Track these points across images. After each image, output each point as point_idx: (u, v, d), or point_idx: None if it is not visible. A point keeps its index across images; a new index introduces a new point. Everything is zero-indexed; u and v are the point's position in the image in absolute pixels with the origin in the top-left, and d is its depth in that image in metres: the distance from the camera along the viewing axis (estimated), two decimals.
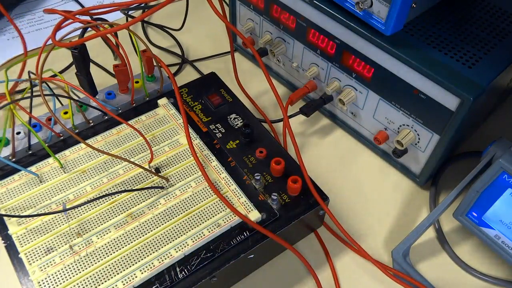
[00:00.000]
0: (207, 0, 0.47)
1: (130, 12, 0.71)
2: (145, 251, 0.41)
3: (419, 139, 0.50)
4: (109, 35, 0.49)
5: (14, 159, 0.47)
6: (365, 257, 0.47)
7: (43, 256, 0.40)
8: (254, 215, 0.43)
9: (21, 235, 0.42)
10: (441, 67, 0.44)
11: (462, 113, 0.44)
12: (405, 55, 0.45)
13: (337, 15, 0.49)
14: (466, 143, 0.58)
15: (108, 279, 0.39)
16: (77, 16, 0.43)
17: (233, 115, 0.52)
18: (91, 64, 0.50)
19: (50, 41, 0.44)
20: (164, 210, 0.44)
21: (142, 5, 0.46)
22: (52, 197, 0.44)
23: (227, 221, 0.43)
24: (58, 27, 0.42)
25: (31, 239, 0.41)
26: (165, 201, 0.44)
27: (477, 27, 0.50)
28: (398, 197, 0.53)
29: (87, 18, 0.45)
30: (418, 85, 0.46)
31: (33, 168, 0.46)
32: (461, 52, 0.46)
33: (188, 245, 0.42)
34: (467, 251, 0.49)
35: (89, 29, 0.46)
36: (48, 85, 0.49)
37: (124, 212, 0.43)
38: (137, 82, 0.53)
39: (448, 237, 0.50)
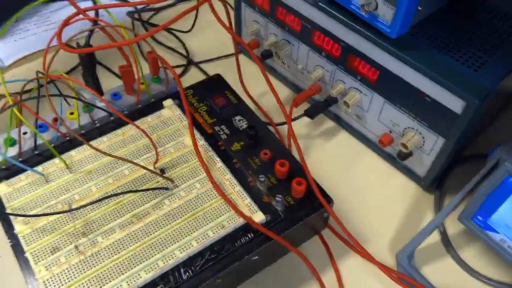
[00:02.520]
0: (210, 8, 0.47)
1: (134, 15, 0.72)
2: (149, 251, 0.41)
3: (424, 142, 0.50)
4: (116, 36, 0.49)
5: (20, 159, 0.47)
6: (369, 260, 0.47)
7: (49, 256, 0.41)
8: (259, 217, 0.43)
9: (27, 234, 0.42)
10: (446, 70, 0.44)
11: (468, 116, 0.44)
12: (411, 58, 0.45)
13: (342, 17, 0.49)
14: (472, 146, 0.57)
15: (113, 279, 0.39)
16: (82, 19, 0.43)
17: (238, 117, 0.52)
18: (97, 65, 0.51)
19: (55, 42, 0.44)
20: (169, 211, 0.44)
21: (151, 6, 0.46)
22: (58, 197, 0.44)
23: (232, 222, 0.43)
24: (63, 27, 0.42)
25: (37, 238, 0.42)
26: (170, 202, 0.45)
27: (482, 30, 0.50)
28: (403, 200, 0.53)
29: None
30: (423, 88, 0.46)
31: (39, 168, 0.46)
32: (466, 55, 0.46)
33: (192, 246, 0.42)
34: (472, 255, 0.49)
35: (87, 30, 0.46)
36: (56, 86, 0.49)
37: (129, 212, 0.44)
38: (142, 83, 0.53)
39: (453, 241, 0.50)
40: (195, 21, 0.70)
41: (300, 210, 0.45)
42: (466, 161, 0.56)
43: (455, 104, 0.44)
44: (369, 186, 0.54)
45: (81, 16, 0.43)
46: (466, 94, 0.43)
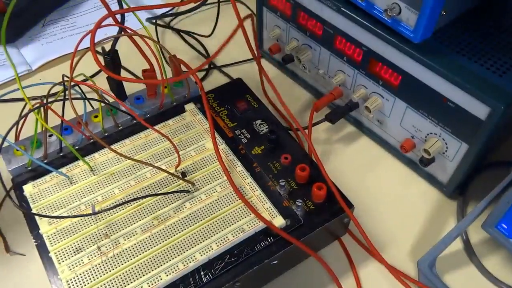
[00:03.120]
0: (242, 30, 0.47)
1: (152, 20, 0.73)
2: (170, 253, 0.42)
3: (447, 148, 0.49)
4: (141, 42, 0.50)
5: (46, 161, 0.48)
6: (388, 269, 0.46)
7: (72, 256, 0.41)
8: (279, 221, 0.43)
9: (52, 234, 0.43)
10: (470, 75, 0.44)
11: (492, 122, 0.43)
12: (434, 63, 0.45)
13: (364, 22, 0.49)
14: (496, 153, 0.56)
15: (134, 280, 0.40)
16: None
17: (259, 121, 0.53)
18: (121, 69, 0.52)
19: (83, 46, 0.45)
20: (190, 214, 0.44)
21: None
22: (82, 199, 0.45)
23: (252, 226, 0.43)
24: (96, 31, 0.43)
25: (60, 238, 0.43)
26: (191, 205, 0.45)
27: (508, 35, 0.49)
28: (424, 206, 0.53)
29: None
30: (446, 93, 0.46)
31: (64, 170, 0.47)
32: (491, 60, 0.46)
33: (212, 249, 0.42)
34: (496, 264, 0.48)
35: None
36: (80, 89, 0.50)
37: (151, 215, 0.44)
38: (165, 87, 0.54)
39: (476, 249, 0.49)
40: (215, 26, 0.71)
41: (320, 215, 0.45)
42: (490, 168, 0.55)
43: (479, 109, 0.44)
44: (390, 192, 0.54)
45: (109, 21, 0.44)
46: (491, 99, 0.42)
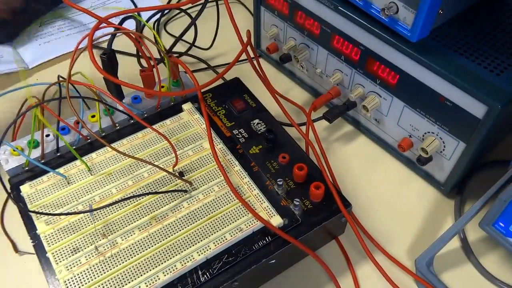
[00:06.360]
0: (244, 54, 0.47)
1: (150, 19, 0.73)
2: (168, 253, 0.42)
3: (444, 146, 0.49)
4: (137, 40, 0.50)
5: (43, 161, 0.48)
6: (393, 262, 0.46)
7: (70, 256, 0.41)
8: (276, 220, 0.43)
9: (49, 235, 0.43)
10: (468, 74, 0.44)
11: (489, 121, 0.43)
12: (431, 62, 0.45)
13: (362, 21, 0.49)
14: (493, 152, 0.56)
15: (132, 280, 0.40)
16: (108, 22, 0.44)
17: (256, 120, 0.53)
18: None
19: (80, 46, 0.45)
20: (187, 214, 0.44)
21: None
22: (79, 199, 0.45)
23: (249, 225, 0.43)
24: (92, 37, 0.43)
25: (58, 239, 0.42)
26: (188, 204, 0.45)
27: (505, 34, 0.49)
28: (422, 205, 0.53)
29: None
30: (444, 92, 0.46)
31: (61, 170, 0.47)
32: (488, 59, 0.46)
33: (210, 248, 0.42)
34: (494, 262, 0.48)
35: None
36: (76, 90, 0.50)
37: (148, 214, 0.44)
38: (162, 86, 0.54)
39: (473, 247, 0.49)
40: (214, 38, 0.70)
41: (318, 214, 0.45)
42: (488, 167, 0.55)
43: (476, 108, 0.44)
44: (388, 191, 0.54)
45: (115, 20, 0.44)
46: (488, 98, 0.42)
